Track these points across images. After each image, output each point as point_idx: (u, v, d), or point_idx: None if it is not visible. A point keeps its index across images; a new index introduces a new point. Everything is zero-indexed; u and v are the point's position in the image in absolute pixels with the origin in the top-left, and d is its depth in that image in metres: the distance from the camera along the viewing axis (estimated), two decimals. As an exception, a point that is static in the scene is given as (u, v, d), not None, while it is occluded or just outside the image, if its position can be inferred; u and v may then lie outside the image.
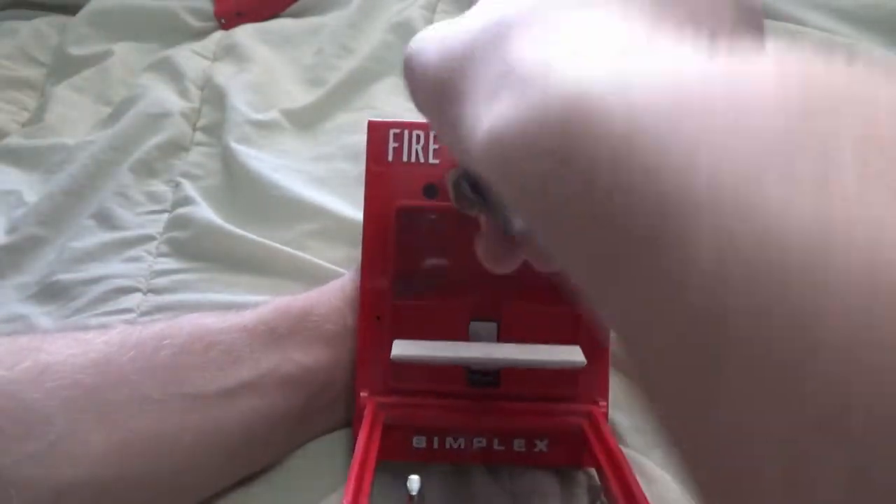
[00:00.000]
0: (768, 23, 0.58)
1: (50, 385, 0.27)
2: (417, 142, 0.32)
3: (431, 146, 0.32)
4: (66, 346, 0.29)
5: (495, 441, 0.31)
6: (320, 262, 0.43)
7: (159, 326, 0.31)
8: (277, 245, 0.45)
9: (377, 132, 0.32)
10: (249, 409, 0.30)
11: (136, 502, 0.28)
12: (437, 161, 0.32)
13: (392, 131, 0.32)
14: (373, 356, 0.31)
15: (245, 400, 0.30)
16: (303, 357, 0.31)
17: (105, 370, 0.28)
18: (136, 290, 0.43)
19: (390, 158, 0.32)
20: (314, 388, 0.31)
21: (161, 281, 0.44)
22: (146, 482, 0.28)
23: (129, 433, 0.27)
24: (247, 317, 0.32)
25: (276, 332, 0.31)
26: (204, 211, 0.48)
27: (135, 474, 0.27)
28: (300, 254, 0.44)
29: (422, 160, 0.32)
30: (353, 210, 0.47)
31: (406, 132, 0.32)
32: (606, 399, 0.31)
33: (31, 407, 0.26)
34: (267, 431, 0.31)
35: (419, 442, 0.31)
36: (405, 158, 0.32)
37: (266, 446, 0.32)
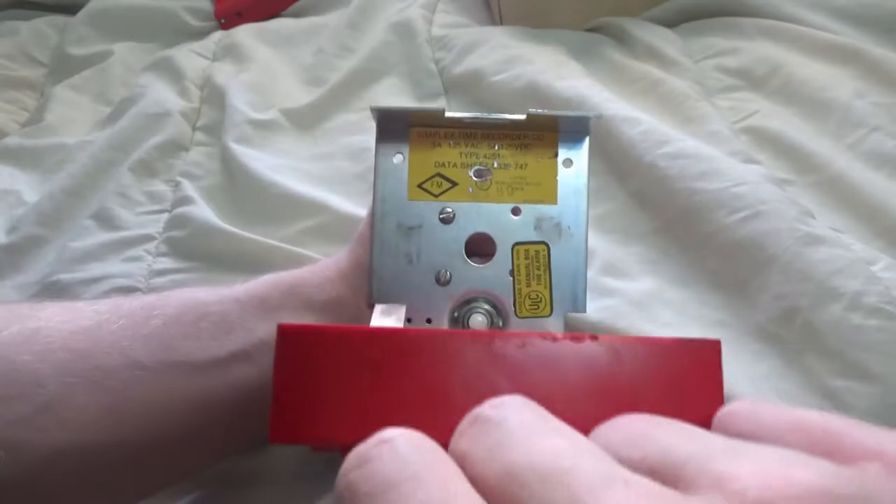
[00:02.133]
0: (768, 24, 0.58)
1: (40, 349, 0.26)
2: None
3: None
4: (56, 314, 0.28)
5: None
6: (319, 258, 0.43)
7: (150, 298, 0.30)
8: (275, 242, 0.45)
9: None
10: (243, 378, 0.29)
11: (129, 470, 0.27)
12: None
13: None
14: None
15: (238, 369, 0.29)
16: None
17: (96, 336, 0.27)
18: (135, 289, 0.43)
19: None
20: None
21: (160, 280, 0.44)
22: (138, 449, 0.27)
23: (120, 399, 0.26)
24: (238, 289, 0.32)
25: (268, 303, 0.31)
26: (201, 210, 0.48)
27: (127, 441, 0.26)
28: (298, 250, 0.44)
29: None
30: (351, 206, 0.47)
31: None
32: None
33: (21, 369, 0.25)
34: (261, 402, 0.30)
35: None
36: None
37: (261, 417, 0.31)
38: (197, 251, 0.46)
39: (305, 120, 0.58)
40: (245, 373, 0.29)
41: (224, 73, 0.63)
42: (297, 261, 0.43)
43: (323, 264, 0.34)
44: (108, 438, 0.26)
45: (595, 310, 0.39)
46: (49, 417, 0.25)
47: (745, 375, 0.35)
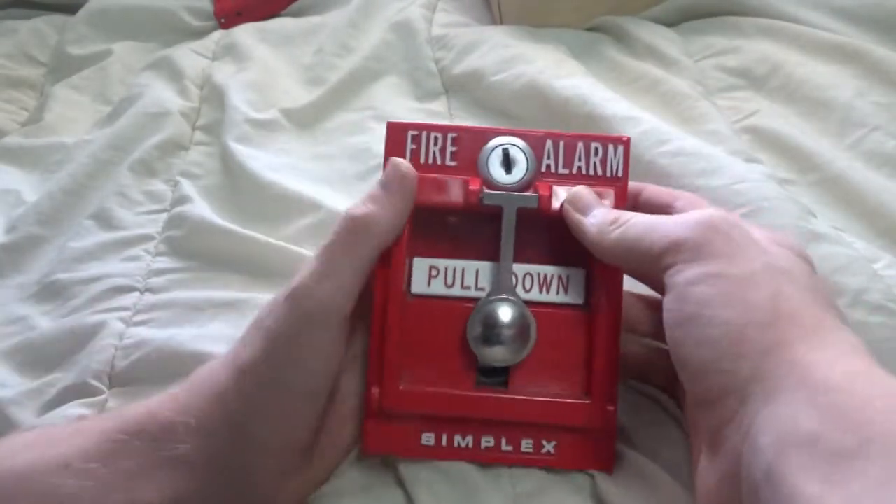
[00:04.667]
0: (768, 23, 0.58)
1: None
2: (435, 144, 0.33)
3: (449, 148, 0.33)
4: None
5: (503, 440, 0.31)
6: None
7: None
8: (273, 241, 0.44)
9: (395, 133, 0.33)
10: None
11: None
12: (454, 163, 0.32)
13: (410, 133, 0.33)
14: (383, 355, 0.31)
15: None
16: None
17: None
18: (133, 289, 0.43)
19: (408, 160, 0.32)
20: None
21: (157, 280, 0.44)
22: None
23: None
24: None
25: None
26: (199, 208, 0.48)
27: None
28: (295, 249, 0.44)
29: (439, 162, 0.32)
30: (350, 203, 0.46)
31: (424, 134, 0.33)
32: (615, 404, 0.31)
33: None
34: None
35: (428, 439, 0.31)
36: (422, 160, 0.32)
37: None
38: (195, 250, 0.46)
39: (305, 119, 0.58)
40: None
41: (224, 73, 0.63)
42: (296, 261, 0.43)
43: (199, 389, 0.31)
44: None
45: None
46: None
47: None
